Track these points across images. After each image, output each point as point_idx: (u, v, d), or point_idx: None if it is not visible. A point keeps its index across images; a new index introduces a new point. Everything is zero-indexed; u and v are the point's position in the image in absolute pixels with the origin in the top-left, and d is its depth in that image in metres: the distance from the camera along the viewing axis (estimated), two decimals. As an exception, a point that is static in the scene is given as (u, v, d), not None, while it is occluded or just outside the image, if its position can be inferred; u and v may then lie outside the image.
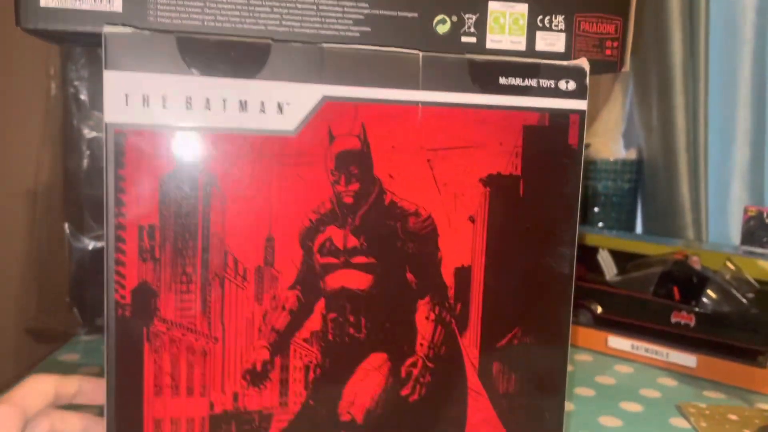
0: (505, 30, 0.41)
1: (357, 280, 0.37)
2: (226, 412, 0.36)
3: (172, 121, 0.33)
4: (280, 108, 0.35)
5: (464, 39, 0.40)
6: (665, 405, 0.61)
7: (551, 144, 0.40)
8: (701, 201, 0.99)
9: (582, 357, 0.73)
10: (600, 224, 1.02)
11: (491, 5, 0.40)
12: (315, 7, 0.37)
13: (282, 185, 0.35)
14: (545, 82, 0.39)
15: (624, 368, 0.70)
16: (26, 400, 0.36)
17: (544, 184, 0.40)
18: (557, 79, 0.39)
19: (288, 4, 0.37)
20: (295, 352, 0.37)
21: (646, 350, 0.70)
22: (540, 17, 0.41)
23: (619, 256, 0.78)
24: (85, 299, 0.70)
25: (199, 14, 0.36)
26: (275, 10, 0.37)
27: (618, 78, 1.10)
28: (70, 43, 0.50)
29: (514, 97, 0.38)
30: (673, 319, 0.69)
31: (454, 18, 0.40)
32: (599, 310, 0.74)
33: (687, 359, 0.68)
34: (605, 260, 0.78)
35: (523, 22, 0.41)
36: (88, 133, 0.67)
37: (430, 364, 0.39)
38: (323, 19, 0.38)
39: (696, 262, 0.71)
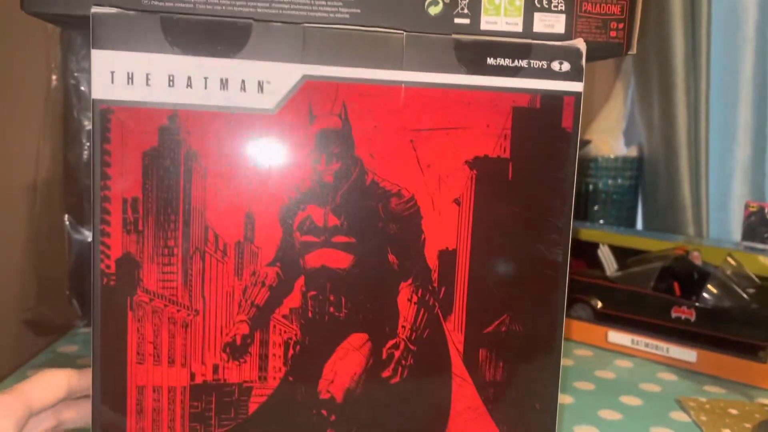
0: (501, 11, 0.40)
1: (337, 259, 0.37)
2: (206, 382, 0.37)
3: (155, 98, 0.34)
4: (260, 86, 0.35)
5: (457, 20, 0.40)
6: (665, 399, 0.61)
7: (543, 127, 0.39)
8: (702, 198, 0.99)
9: (582, 352, 0.73)
10: (601, 221, 1.02)
11: (483, -15, 0.39)
12: (302, -11, 0.38)
13: (262, 163, 0.36)
14: (537, 63, 0.38)
15: (624, 363, 0.70)
16: (33, 393, 0.35)
17: (536, 167, 0.39)
18: (550, 60, 0.38)
19: (275, -14, 0.37)
20: (275, 327, 0.37)
21: (646, 345, 0.70)
22: (538, -3, 0.40)
23: (619, 252, 0.78)
24: (85, 291, 0.70)
25: (191, -3, 0.37)
26: (263, -9, 0.37)
27: (619, 75, 1.09)
28: (75, 28, 0.52)
29: (502, 78, 0.38)
30: (674, 314, 0.68)
31: (447, -1, 0.39)
32: (599, 305, 0.74)
33: (687, 354, 0.67)
34: (605, 256, 0.77)
35: (520, 2, 0.40)
36: (89, 125, 0.67)
37: (412, 347, 0.39)
38: (313, 1, 0.38)
39: (697, 258, 0.71)
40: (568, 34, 0.40)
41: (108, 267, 0.35)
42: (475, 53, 0.37)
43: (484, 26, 0.40)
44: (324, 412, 0.38)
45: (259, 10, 0.38)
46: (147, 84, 0.34)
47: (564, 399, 0.59)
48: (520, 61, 0.38)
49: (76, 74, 0.68)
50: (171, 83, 0.34)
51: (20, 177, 0.81)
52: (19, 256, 0.83)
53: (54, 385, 0.36)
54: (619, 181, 1.01)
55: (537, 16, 0.40)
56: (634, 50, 0.42)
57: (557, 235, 0.40)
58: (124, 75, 0.34)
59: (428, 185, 0.38)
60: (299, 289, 0.37)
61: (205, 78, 0.35)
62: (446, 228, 0.38)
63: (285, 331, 0.37)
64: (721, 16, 1.00)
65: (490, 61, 0.38)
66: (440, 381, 0.40)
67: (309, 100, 0.36)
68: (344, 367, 0.38)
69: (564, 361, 0.69)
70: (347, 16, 0.39)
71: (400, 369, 0.39)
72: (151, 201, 0.35)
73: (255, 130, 0.35)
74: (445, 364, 0.39)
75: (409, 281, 0.38)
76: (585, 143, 1.02)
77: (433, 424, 0.40)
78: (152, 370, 0.36)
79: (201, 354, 0.37)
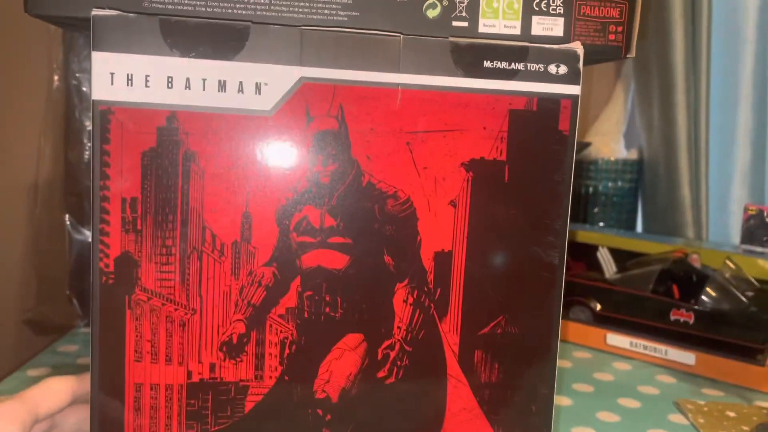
0: (499, 14, 0.40)
1: (333, 260, 0.38)
2: (203, 381, 0.37)
3: (154, 99, 0.35)
4: (258, 88, 0.36)
5: (455, 23, 0.40)
6: (663, 402, 0.61)
7: (540, 129, 0.39)
8: (702, 200, 0.99)
9: (581, 354, 0.73)
10: (601, 224, 1.02)
11: (481, -12, 0.39)
12: (301, -8, 0.38)
13: (259, 164, 0.36)
14: (534, 66, 0.38)
15: (623, 365, 0.70)
16: (39, 400, 0.36)
17: (532, 169, 0.39)
18: (547, 63, 0.38)
19: (274, -11, 0.38)
20: (271, 327, 0.38)
21: (645, 347, 0.70)
22: (536, 0, 0.40)
23: (618, 255, 0.78)
24: (85, 291, 0.70)
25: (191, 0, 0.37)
26: (262, -6, 0.38)
27: (619, 78, 1.09)
28: (77, 30, 0.53)
29: (499, 81, 0.38)
30: (672, 317, 0.68)
31: (445, 2, 0.40)
32: (598, 307, 0.74)
33: (686, 357, 0.67)
34: (605, 258, 0.77)
35: (518, 5, 0.40)
36: (90, 125, 0.68)
37: (407, 348, 0.39)
38: (312, 4, 0.39)
39: (696, 261, 0.71)
40: (567, 38, 0.40)
41: (107, 266, 0.36)
42: (472, 56, 0.38)
43: (482, 29, 0.40)
44: (319, 411, 0.39)
45: (257, 12, 0.38)
46: (146, 85, 0.35)
47: (562, 401, 0.59)
48: (516, 64, 0.38)
49: (77, 75, 0.68)
50: (170, 85, 0.35)
51: (21, 177, 0.81)
52: (19, 256, 0.83)
53: (59, 392, 0.37)
54: (619, 183, 1.02)
55: (535, 19, 0.40)
56: (633, 53, 0.42)
57: (553, 238, 0.40)
58: (123, 76, 0.34)
59: (424, 187, 0.38)
60: (295, 289, 0.38)
61: (204, 79, 0.35)
62: (442, 230, 0.39)
63: (281, 331, 0.38)
64: (721, 17, 1.00)
65: (487, 63, 0.38)
66: (435, 382, 0.40)
67: (306, 102, 0.36)
68: (340, 367, 0.39)
69: (562, 363, 0.69)
70: (345, 18, 0.39)
71: (395, 369, 0.39)
72: (149, 201, 0.35)
73: (252, 132, 0.36)
74: (440, 365, 0.40)
75: (405, 282, 0.39)
76: (585, 146, 1.02)
77: (428, 424, 0.40)
78: (150, 368, 0.37)
79: (198, 352, 0.37)
